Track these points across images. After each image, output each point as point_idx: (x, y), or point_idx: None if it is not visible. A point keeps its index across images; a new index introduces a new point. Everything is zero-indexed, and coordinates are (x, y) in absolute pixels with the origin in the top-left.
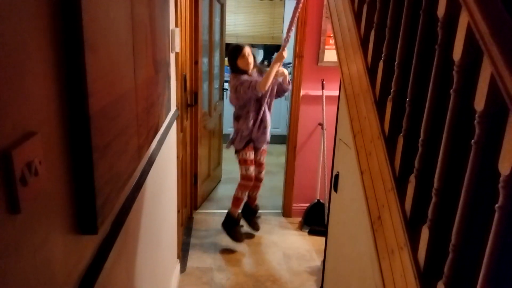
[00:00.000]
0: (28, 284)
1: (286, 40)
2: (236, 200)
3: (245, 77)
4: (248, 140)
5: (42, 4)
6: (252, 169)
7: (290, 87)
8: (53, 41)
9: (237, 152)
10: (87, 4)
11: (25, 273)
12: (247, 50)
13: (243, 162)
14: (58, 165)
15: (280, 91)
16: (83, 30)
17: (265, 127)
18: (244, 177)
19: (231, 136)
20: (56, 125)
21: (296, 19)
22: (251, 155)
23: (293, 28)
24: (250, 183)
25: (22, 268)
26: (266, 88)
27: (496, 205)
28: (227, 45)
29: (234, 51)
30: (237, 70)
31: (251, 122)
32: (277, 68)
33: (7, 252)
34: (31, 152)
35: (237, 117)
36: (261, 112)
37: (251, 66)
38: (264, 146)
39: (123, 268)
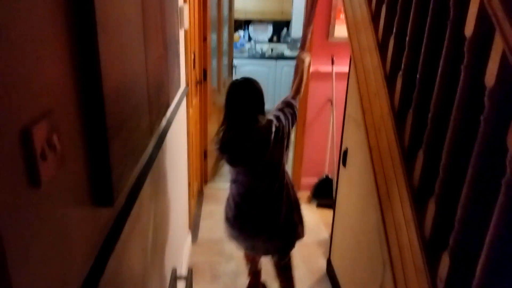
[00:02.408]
0: (51, 254)
1: (304, 38)
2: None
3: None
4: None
5: None
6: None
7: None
8: (67, 23)
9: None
10: None
11: (48, 243)
12: None
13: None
14: (75, 142)
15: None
16: (96, 10)
17: (250, 228)
18: None
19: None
20: (72, 104)
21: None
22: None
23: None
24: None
25: (46, 238)
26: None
27: (503, 180)
28: (236, 21)
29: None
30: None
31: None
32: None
33: (32, 223)
34: (49, 129)
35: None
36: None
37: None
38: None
39: (137, 238)
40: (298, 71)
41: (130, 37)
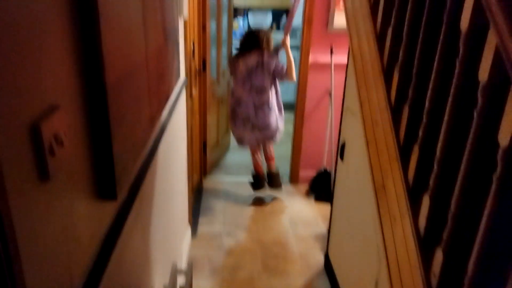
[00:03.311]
0: (58, 246)
1: (288, 26)
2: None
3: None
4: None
5: None
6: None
7: (292, 78)
8: (70, 16)
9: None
10: None
11: (55, 235)
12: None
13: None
14: (80, 136)
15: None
16: (98, 3)
17: (252, 126)
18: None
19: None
20: (76, 98)
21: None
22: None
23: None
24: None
25: (53, 230)
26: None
27: (494, 176)
28: (235, 9)
29: (266, 37)
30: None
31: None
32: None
33: (40, 216)
34: (57, 124)
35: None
36: (242, 104)
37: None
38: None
39: (139, 231)
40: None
41: (131, 28)
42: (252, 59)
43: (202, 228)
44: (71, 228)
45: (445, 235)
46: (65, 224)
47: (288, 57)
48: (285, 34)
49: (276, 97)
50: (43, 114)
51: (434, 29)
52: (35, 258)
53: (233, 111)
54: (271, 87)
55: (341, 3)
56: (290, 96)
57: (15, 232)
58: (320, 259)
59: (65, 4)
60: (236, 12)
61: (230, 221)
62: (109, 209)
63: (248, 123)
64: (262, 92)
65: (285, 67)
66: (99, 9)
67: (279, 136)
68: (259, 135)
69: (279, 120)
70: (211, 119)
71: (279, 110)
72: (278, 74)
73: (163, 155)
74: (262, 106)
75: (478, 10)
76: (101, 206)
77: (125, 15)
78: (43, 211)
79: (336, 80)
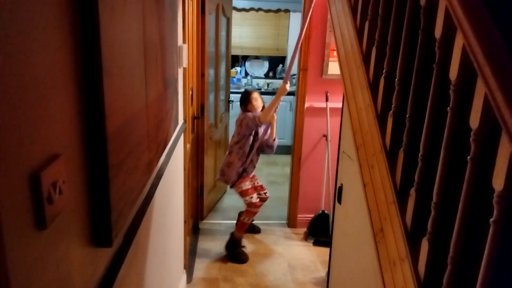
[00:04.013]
0: None
1: (288, 72)
2: (242, 225)
3: (250, 114)
4: (241, 171)
5: (65, 37)
6: (255, 196)
7: (275, 144)
8: (75, 70)
9: (232, 186)
10: (104, 33)
11: (49, 284)
12: (255, 95)
13: (244, 193)
14: (78, 184)
15: (264, 147)
16: (102, 58)
17: (253, 165)
18: (251, 204)
19: (220, 167)
20: (77, 147)
21: (297, 54)
22: (248, 184)
23: (295, 61)
24: (257, 210)
25: (47, 279)
26: (267, 119)
27: (491, 220)
28: (233, 56)
29: (244, 97)
30: (247, 111)
31: (243, 158)
32: (279, 101)
33: (35, 265)
34: (56, 172)
35: (230, 152)
36: (252, 152)
37: (259, 109)
38: (254, 172)
39: (133, 278)
40: (275, 98)
41: (132, 79)
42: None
43: (198, 273)
44: (66, 276)
45: (445, 281)
46: (60, 273)
47: (272, 101)
48: (285, 81)
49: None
50: (43, 163)
51: (425, 78)
52: None
53: None
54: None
55: (335, 53)
56: (287, 139)
57: (10, 279)
58: None
59: (70, 61)
60: (233, 60)
61: (227, 266)
62: (104, 256)
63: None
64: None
65: (253, 116)
66: (103, 66)
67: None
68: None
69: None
70: (208, 162)
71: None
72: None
73: (160, 199)
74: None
75: (465, 62)
76: (96, 254)
77: (127, 68)
78: (39, 260)
79: (332, 124)
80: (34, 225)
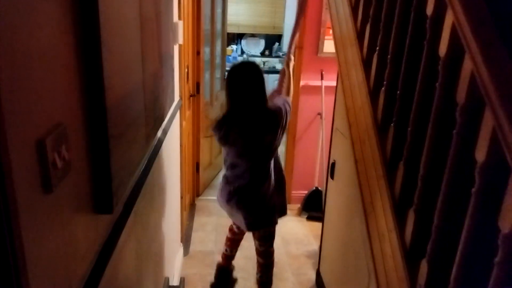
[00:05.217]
0: (59, 255)
1: (290, 44)
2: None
3: (281, 101)
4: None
5: (66, 9)
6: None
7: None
8: (76, 44)
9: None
10: (103, 8)
11: (57, 245)
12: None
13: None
14: (81, 153)
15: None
16: (101, 32)
17: (239, 206)
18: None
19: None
20: (78, 117)
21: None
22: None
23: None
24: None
25: (55, 240)
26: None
27: (472, 190)
28: (229, 34)
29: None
30: None
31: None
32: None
33: (43, 226)
34: (60, 140)
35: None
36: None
37: None
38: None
39: (132, 246)
40: (285, 75)
41: (130, 54)
42: None
43: (194, 246)
44: (71, 239)
45: (429, 247)
46: (66, 235)
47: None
48: (288, 56)
49: None
50: (48, 130)
51: (416, 55)
52: (39, 264)
53: None
54: None
55: (330, 31)
56: None
57: (22, 238)
58: (312, 276)
59: (71, 33)
60: (229, 38)
61: (222, 240)
62: (105, 222)
63: None
64: None
65: None
66: (102, 41)
67: None
68: None
69: None
70: (204, 140)
71: None
72: None
73: (157, 173)
74: None
75: (454, 38)
76: (98, 220)
77: (125, 42)
78: (46, 220)
79: (327, 102)
80: (41, 187)
